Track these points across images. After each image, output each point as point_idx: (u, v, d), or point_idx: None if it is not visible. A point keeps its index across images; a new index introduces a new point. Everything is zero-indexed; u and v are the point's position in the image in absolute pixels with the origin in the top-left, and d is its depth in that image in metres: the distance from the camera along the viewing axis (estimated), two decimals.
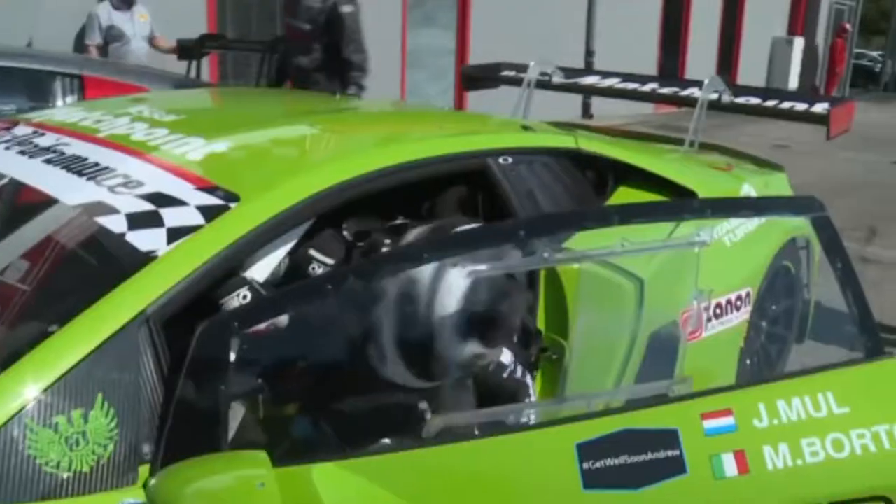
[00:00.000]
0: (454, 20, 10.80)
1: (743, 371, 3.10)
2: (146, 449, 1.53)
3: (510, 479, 1.58)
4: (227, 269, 1.77)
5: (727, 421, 1.59)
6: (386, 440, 1.68)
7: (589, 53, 12.94)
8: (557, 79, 4.35)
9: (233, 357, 1.57)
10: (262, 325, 1.67)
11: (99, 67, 5.16)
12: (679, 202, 2.23)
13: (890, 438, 1.59)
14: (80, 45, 6.75)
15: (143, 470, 1.52)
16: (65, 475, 1.45)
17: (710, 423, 1.59)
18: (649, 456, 1.55)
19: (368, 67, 5.27)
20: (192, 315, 1.63)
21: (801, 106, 3.87)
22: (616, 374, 2.37)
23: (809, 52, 20.75)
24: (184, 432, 1.53)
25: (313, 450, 1.62)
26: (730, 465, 1.56)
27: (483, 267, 1.74)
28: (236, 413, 1.70)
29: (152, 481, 1.39)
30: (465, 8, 10.75)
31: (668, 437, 1.56)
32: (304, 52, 5.24)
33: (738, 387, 1.71)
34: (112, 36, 6.54)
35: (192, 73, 6.63)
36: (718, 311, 2.81)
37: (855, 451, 1.58)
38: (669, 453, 1.56)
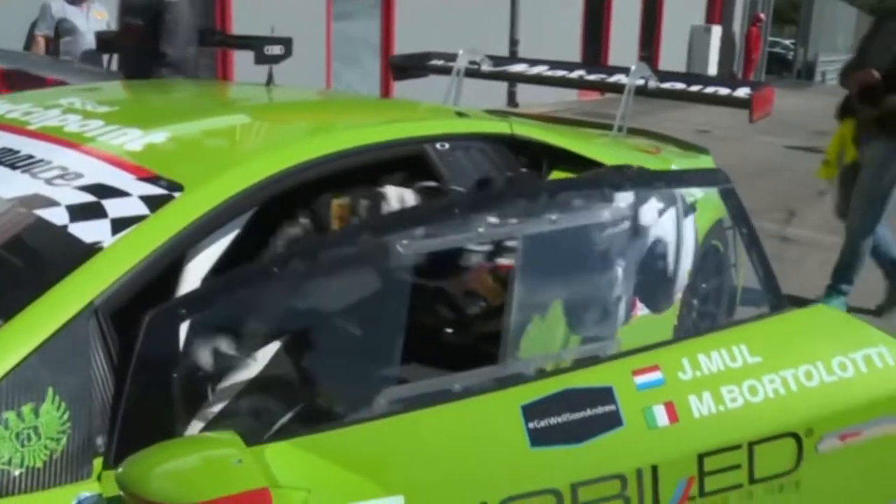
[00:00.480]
0: (378, 10, 10.78)
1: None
2: (100, 441, 1.51)
3: (461, 445, 1.66)
4: (174, 259, 1.76)
5: (656, 376, 1.75)
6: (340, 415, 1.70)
7: (513, 42, 13.05)
8: (486, 67, 4.38)
9: (182, 344, 1.57)
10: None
11: (14, 60, 5.01)
12: (600, 176, 2.32)
13: (796, 381, 1.79)
14: (32, 35, 6.58)
15: (98, 463, 1.50)
16: (17, 472, 1.42)
17: (640, 379, 1.74)
18: (589, 412, 1.68)
19: (185, 68, 4.92)
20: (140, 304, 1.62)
21: (724, 91, 3.97)
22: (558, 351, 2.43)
23: (727, 40, 21.28)
24: (137, 422, 1.53)
25: (265, 429, 1.64)
26: (661, 416, 1.72)
27: (424, 243, 1.80)
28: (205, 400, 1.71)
29: (120, 469, 1.38)
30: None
31: (605, 394, 1.71)
32: (146, 51, 4.92)
33: (663, 344, 1.86)
34: (64, 29, 6.36)
35: (114, 66, 6.50)
36: None
37: (768, 394, 1.77)
38: (607, 408, 1.70)
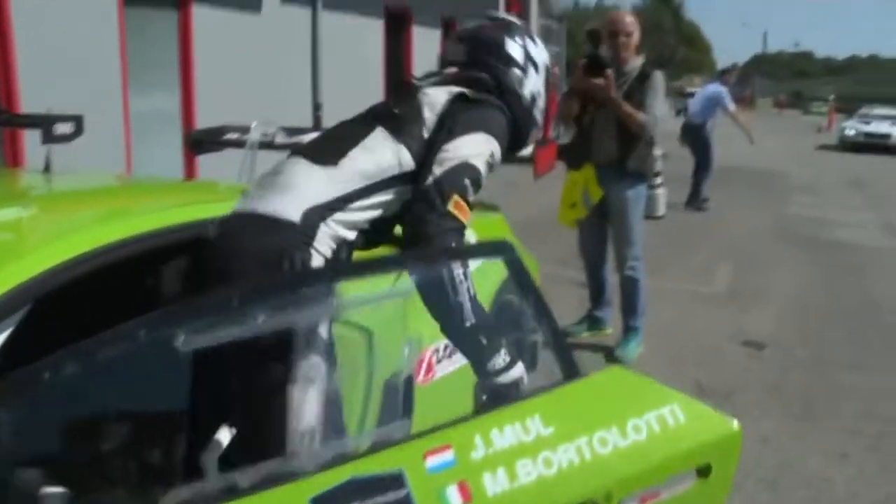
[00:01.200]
0: (177, 83, 10.61)
1: (480, 404, 3.26)
2: None
3: None
4: None
5: (447, 456, 1.70)
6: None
7: (316, 107, 13.13)
8: (280, 139, 4.40)
9: None
10: None
11: None
12: (385, 258, 2.32)
13: (590, 448, 1.78)
14: None
15: None
16: None
17: (431, 461, 1.69)
18: (380, 499, 1.62)
19: None
20: None
21: None
22: (357, 424, 2.46)
23: None
24: None
25: None
26: (454, 497, 1.66)
27: (203, 337, 1.75)
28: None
29: None
30: (187, 70, 10.60)
31: (395, 480, 1.65)
32: None
33: (455, 422, 1.81)
34: None
35: None
36: (449, 350, 2.97)
37: (562, 465, 1.74)
38: (398, 494, 1.64)
